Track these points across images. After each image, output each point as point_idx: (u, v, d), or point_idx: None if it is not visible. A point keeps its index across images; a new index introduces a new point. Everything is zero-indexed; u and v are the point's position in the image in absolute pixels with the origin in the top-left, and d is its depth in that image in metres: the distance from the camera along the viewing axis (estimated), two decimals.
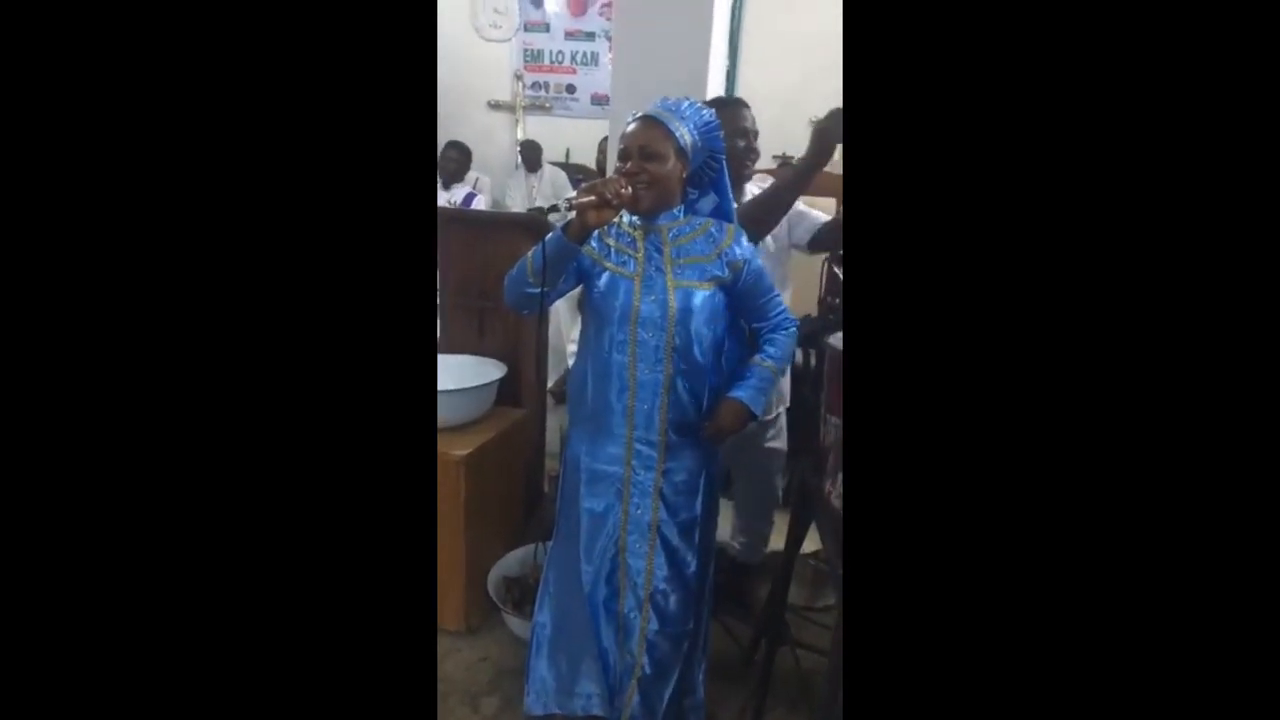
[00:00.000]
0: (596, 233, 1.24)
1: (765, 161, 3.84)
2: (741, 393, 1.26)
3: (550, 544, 1.45)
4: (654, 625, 1.29)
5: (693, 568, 1.30)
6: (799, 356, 2.38)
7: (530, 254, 1.18)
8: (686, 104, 1.21)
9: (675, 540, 1.29)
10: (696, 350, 1.23)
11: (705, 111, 1.22)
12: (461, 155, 3.62)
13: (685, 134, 1.19)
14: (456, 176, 3.60)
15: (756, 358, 1.29)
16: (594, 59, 4.35)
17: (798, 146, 1.82)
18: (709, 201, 1.30)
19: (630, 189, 1.14)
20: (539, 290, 1.18)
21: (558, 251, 1.14)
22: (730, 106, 1.61)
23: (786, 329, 1.31)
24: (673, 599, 1.29)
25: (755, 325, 1.31)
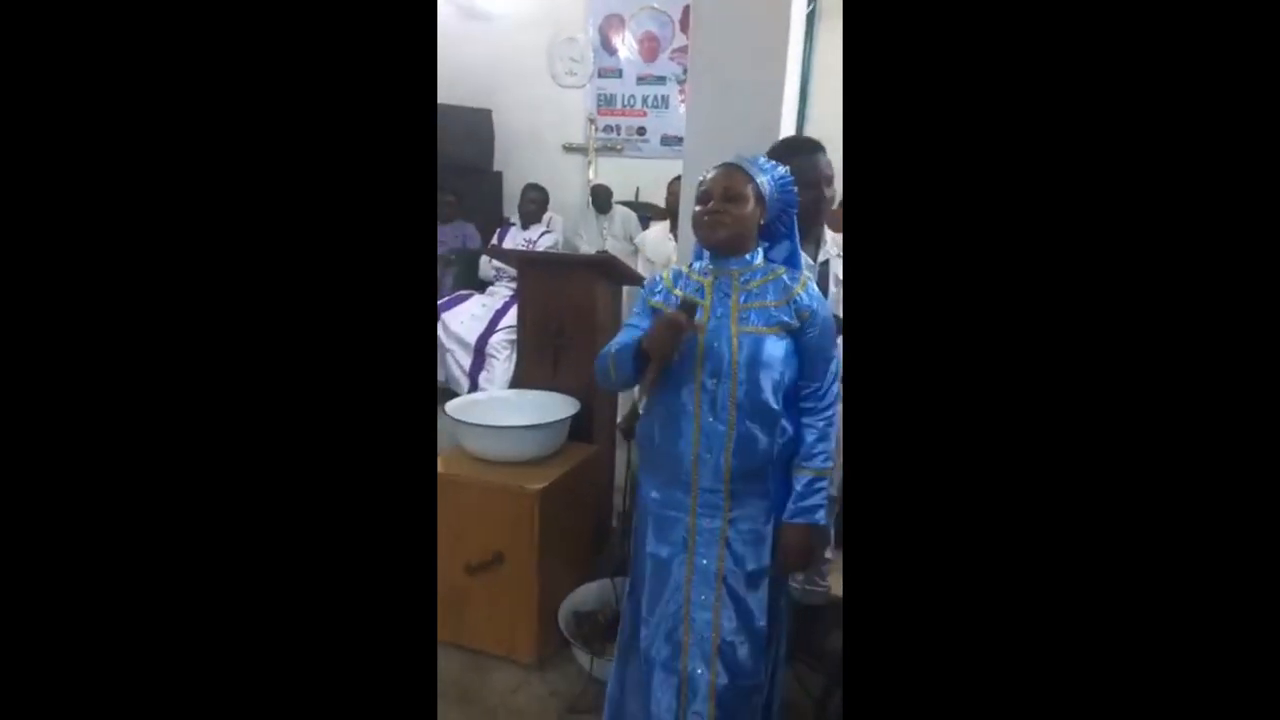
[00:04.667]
0: (662, 285, 1.30)
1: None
2: (799, 518, 1.25)
3: (625, 582, 1.47)
4: (723, 679, 1.26)
5: (761, 620, 1.27)
6: None
7: (614, 358, 1.26)
8: (763, 159, 1.27)
9: (742, 591, 1.27)
10: (764, 397, 1.22)
11: (781, 168, 1.27)
12: (540, 196, 3.77)
13: (764, 182, 1.23)
14: (534, 217, 3.74)
15: (799, 461, 1.26)
16: (664, 102, 4.47)
17: None
18: (782, 250, 1.32)
19: (688, 322, 1.18)
20: (619, 385, 1.28)
21: (633, 374, 1.24)
22: (804, 154, 1.58)
23: (827, 410, 1.27)
24: (741, 651, 1.26)
25: (803, 386, 1.27)
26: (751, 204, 1.21)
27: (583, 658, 1.76)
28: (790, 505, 1.25)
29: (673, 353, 1.18)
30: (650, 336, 1.18)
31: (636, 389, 1.27)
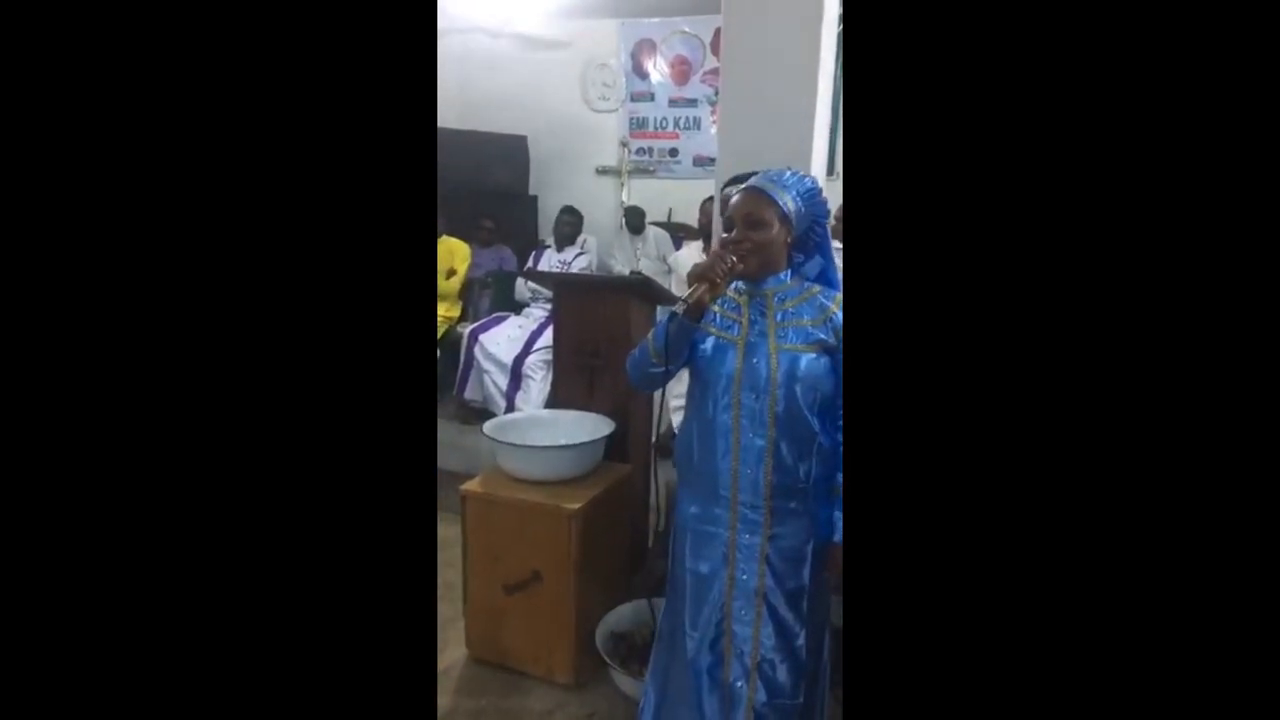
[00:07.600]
0: None
1: None
2: (839, 535, 1.24)
3: (663, 602, 1.46)
4: (762, 696, 1.26)
5: (801, 639, 1.27)
6: None
7: (650, 336, 1.25)
8: (789, 174, 1.26)
9: (783, 609, 1.26)
10: (802, 414, 1.22)
11: (807, 179, 1.26)
12: (574, 219, 3.82)
13: (789, 201, 1.22)
14: (569, 239, 3.80)
15: (839, 480, 1.25)
16: (696, 123, 4.51)
17: None
18: (814, 265, 1.31)
19: (735, 259, 1.18)
20: (663, 369, 1.25)
21: (678, 332, 1.21)
22: None
23: None
24: (781, 670, 1.26)
25: (840, 404, 1.25)
26: (775, 227, 1.22)
27: (620, 679, 1.75)
28: (838, 526, 1.24)
29: (719, 280, 1.17)
30: (695, 269, 1.19)
31: (673, 408, 1.27)
